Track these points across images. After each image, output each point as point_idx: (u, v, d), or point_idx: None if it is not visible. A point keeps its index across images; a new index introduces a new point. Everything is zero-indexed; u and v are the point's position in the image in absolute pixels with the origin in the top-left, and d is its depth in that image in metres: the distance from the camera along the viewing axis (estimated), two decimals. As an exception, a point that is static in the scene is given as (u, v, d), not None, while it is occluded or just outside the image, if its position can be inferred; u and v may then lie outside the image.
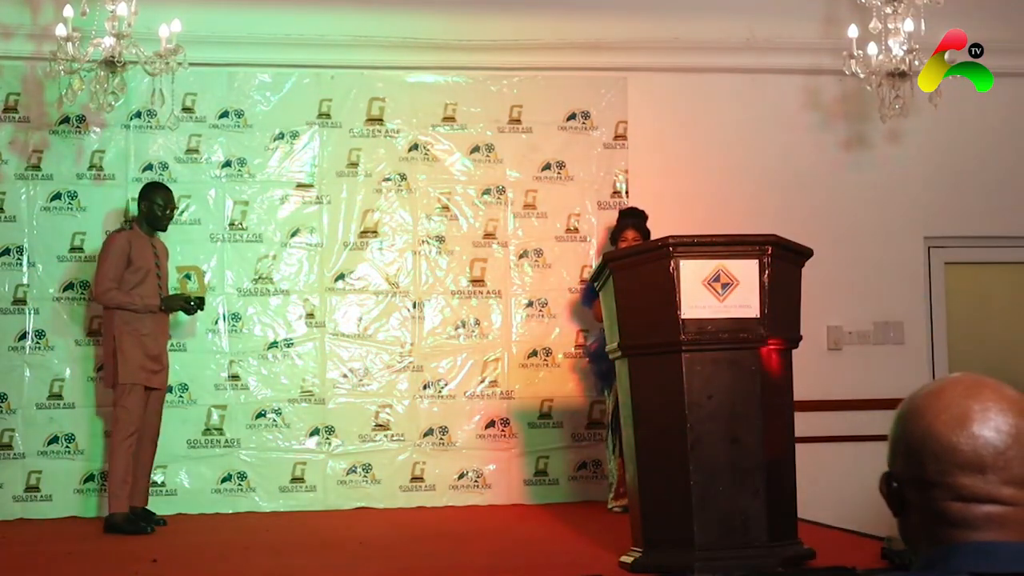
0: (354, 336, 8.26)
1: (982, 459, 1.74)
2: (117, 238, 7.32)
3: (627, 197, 8.48)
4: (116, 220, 7.97)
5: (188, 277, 7.47)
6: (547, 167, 8.53)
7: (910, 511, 1.83)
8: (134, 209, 7.75)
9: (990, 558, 1.72)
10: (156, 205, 7.39)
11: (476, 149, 8.49)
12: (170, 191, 7.55)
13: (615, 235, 7.82)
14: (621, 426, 5.92)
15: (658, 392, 5.46)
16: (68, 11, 7.13)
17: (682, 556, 5.26)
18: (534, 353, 8.40)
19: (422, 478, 8.21)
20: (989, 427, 1.75)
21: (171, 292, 7.54)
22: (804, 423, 7.13)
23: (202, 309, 7.56)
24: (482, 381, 8.35)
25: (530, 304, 8.44)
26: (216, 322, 8.13)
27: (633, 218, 7.82)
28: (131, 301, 7.22)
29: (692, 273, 5.37)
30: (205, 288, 7.64)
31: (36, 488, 7.86)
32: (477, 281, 8.41)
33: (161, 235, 7.64)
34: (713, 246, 5.51)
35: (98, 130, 8.14)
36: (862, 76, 7.90)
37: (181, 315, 7.82)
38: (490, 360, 8.37)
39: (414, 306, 8.34)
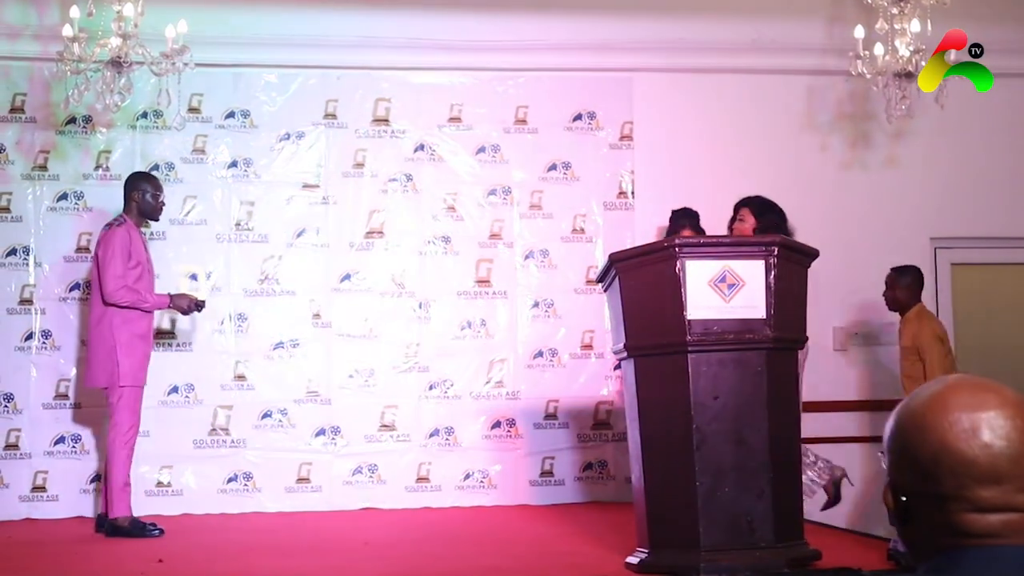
0: (360, 336, 8.27)
1: (999, 469, 1.73)
2: (117, 233, 7.12)
3: (633, 198, 8.53)
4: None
5: (194, 278, 7.45)
6: (553, 167, 8.55)
7: (918, 522, 1.81)
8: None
9: (999, 562, 1.72)
10: (149, 194, 7.27)
11: (482, 149, 8.51)
12: (158, 179, 7.52)
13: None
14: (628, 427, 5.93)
15: (664, 393, 5.46)
16: (74, 11, 7.16)
17: (688, 557, 5.26)
18: (540, 354, 8.41)
19: (428, 478, 8.22)
20: (1000, 436, 1.74)
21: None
22: (810, 424, 7.14)
23: (199, 311, 7.48)
24: (488, 381, 8.36)
25: (536, 304, 8.45)
26: (222, 322, 8.14)
27: (688, 218, 7.77)
28: (143, 299, 7.13)
29: (698, 274, 5.36)
30: (207, 290, 7.61)
31: (42, 488, 7.88)
32: (483, 281, 8.42)
33: (165, 234, 7.71)
34: (719, 247, 5.54)
35: (104, 130, 8.15)
36: (868, 77, 7.90)
37: (178, 315, 7.83)
38: (496, 360, 8.37)
39: (420, 306, 8.35)
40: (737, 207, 7.25)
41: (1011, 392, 1.80)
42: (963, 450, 1.74)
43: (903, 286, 7.65)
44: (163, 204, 7.41)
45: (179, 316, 7.89)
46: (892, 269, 7.73)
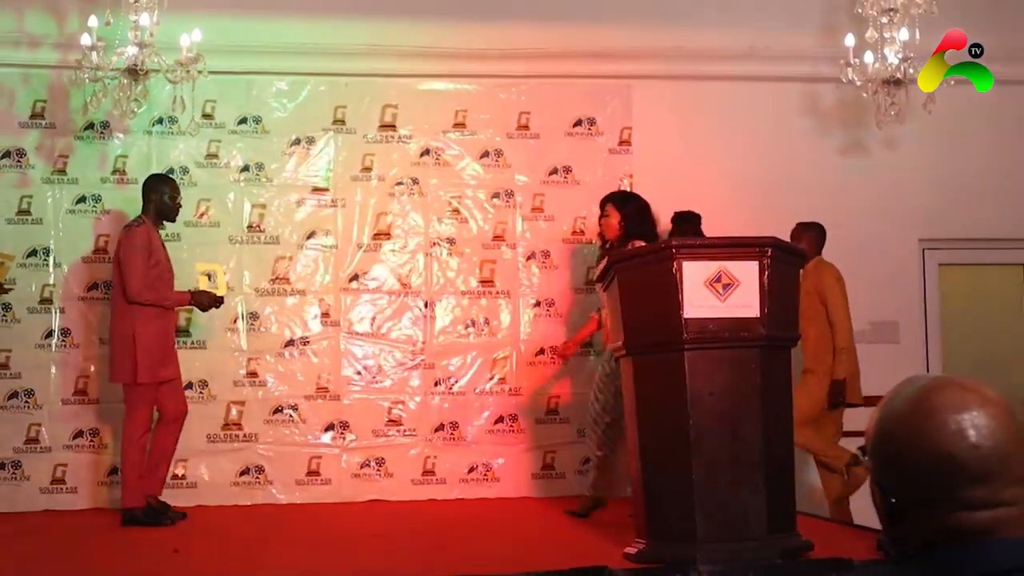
0: (368, 335, 8.39)
1: (987, 468, 1.76)
2: (138, 233, 7.21)
3: (631, 201, 8.63)
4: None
5: (209, 276, 7.58)
6: (554, 172, 8.67)
7: (908, 522, 1.83)
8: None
9: (990, 558, 1.74)
10: (167, 195, 7.38)
11: (486, 154, 8.63)
12: (175, 181, 7.60)
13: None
14: (625, 422, 5.99)
15: (661, 390, 5.49)
16: (93, 21, 7.29)
17: (684, 548, 5.29)
18: (542, 351, 8.51)
19: (433, 472, 8.33)
20: (986, 435, 1.76)
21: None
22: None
23: (218, 307, 7.63)
24: (491, 378, 8.47)
25: (537, 304, 8.56)
26: (235, 321, 8.24)
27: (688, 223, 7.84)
28: (165, 298, 7.27)
29: (694, 274, 5.39)
30: (224, 288, 7.73)
31: (62, 481, 8.00)
32: (486, 282, 8.53)
33: (180, 235, 7.89)
34: (715, 248, 5.57)
35: (121, 136, 8.28)
36: (859, 84, 7.98)
37: (196, 312, 7.96)
38: (499, 358, 8.49)
39: (425, 306, 8.46)
40: (603, 204, 7.45)
41: (990, 390, 1.83)
42: (952, 453, 1.76)
43: (808, 239, 7.74)
44: (180, 205, 7.51)
45: (197, 313, 7.99)
46: (798, 224, 7.81)
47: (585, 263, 8.57)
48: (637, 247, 6.69)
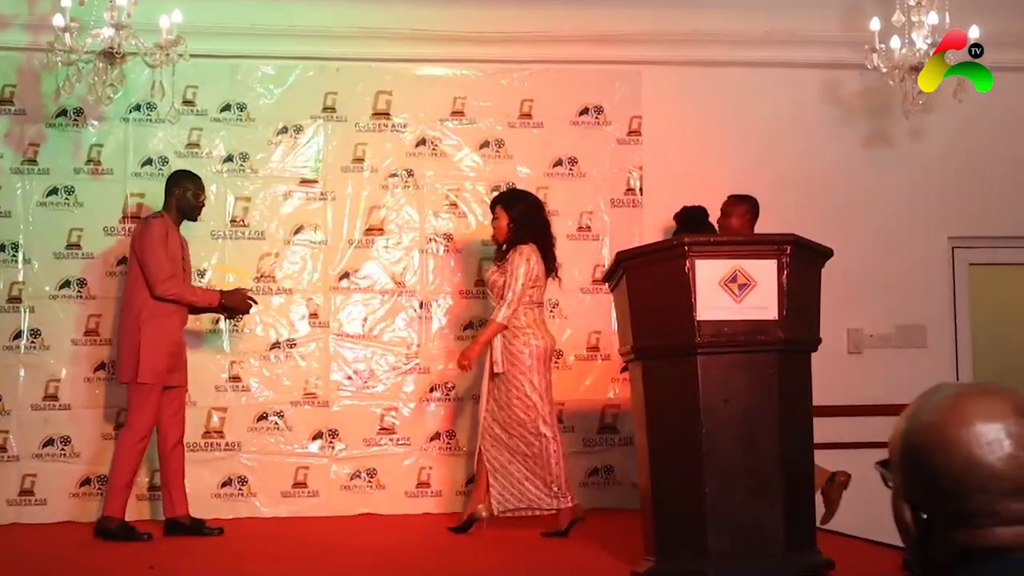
0: (359, 337, 8.26)
1: None
2: (155, 224, 7.11)
3: (641, 194, 8.53)
4: (114, 216, 7.98)
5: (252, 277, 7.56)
6: (559, 163, 8.53)
7: (939, 538, 1.77)
8: (133, 203, 7.88)
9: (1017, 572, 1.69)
10: (190, 192, 7.27)
11: (486, 144, 8.50)
12: (200, 179, 7.47)
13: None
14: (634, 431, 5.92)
15: (672, 396, 5.43)
16: (66, 0, 7.13)
17: (695, 564, 5.22)
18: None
19: (429, 484, 8.19)
20: (1023, 444, 1.72)
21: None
22: (822, 429, 6.96)
23: (250, 310, 7.56)
24: (491, 384, 8.29)
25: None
26: (217, 322, 8.09)
27: (694, 221, 7.75)
28: (192, 292, 7.21)
29: (708, 273, 5.34)
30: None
31: (30, 492, 7.83)
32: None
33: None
34: (730, 246, 5.56)
35: (96, 123, 8.15)
36: (884, 70, 7.88)
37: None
38: (499, 362, 8.31)
39: (421, 306, 8.34)
40: (492, 206, 7.49)
41: (1021, 396, 1.78)
42: (991, 464, 1.71)
43: (739, 214, 7.53)
44: (203, 204, 7.44)
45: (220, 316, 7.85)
46: (730, 196, 7.61)
47: (591, 261, 8.46)
48: (648, 244, 6.61)
